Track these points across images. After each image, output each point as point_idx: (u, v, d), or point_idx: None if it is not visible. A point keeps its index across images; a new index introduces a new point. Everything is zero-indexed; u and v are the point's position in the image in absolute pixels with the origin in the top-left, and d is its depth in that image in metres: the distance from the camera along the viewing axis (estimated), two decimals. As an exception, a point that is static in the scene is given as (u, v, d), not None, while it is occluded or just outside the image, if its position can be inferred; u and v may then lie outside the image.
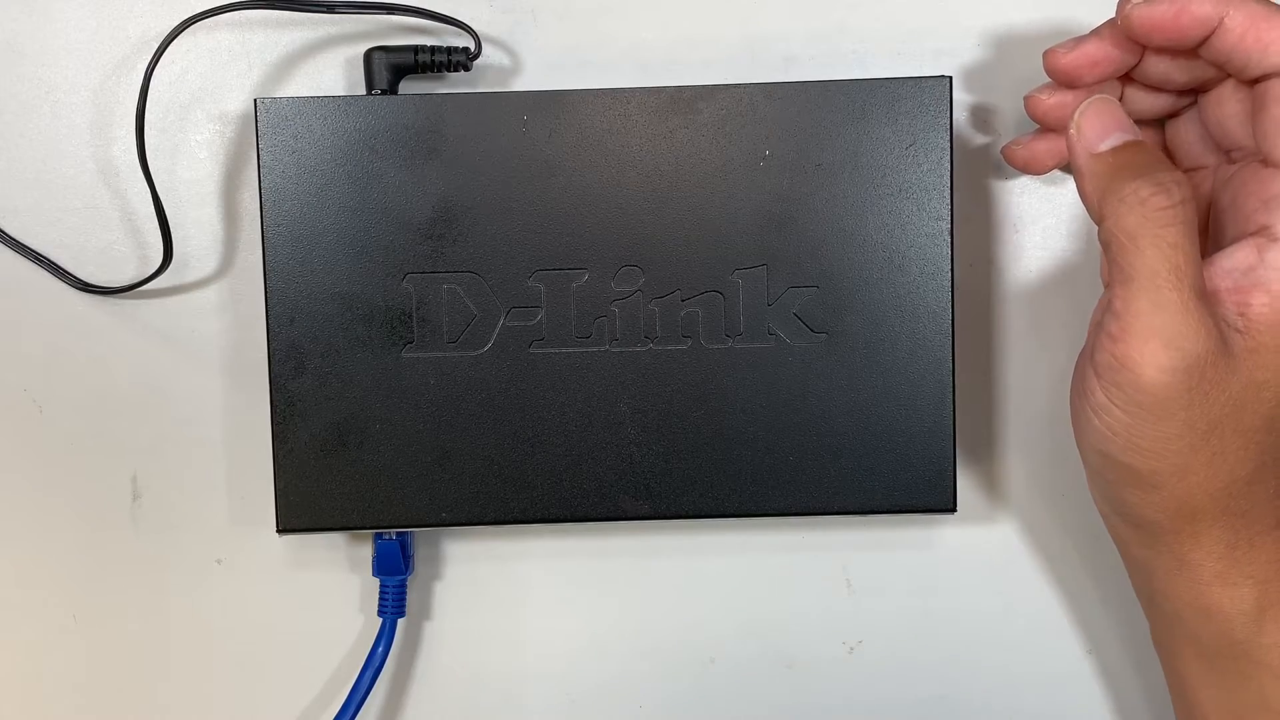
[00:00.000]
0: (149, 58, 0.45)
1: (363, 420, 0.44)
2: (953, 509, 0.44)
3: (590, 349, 0.44)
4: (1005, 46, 0.47)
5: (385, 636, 0.47)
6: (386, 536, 0.46)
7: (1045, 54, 0.43)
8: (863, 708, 0.47)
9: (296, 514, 0.44)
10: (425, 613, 0.49)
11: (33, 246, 0.47)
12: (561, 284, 0.44)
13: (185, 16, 0.45)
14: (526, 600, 0.48)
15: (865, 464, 0.44)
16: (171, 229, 0.46)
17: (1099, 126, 0.39)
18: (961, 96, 0.46)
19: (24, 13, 0.47)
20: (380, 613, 0.47)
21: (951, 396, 0.44)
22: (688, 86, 0.44)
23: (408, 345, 0.44)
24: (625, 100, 0.44)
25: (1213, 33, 0.39)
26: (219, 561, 0.48)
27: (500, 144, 0.44)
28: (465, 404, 0.44)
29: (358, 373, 0.44)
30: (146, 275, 0.46)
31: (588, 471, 0.44)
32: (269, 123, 0.44)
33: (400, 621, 0.47)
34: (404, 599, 0.47)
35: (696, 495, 0.44)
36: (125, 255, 0.47)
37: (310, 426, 0.44)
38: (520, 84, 0.47)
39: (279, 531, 0.44)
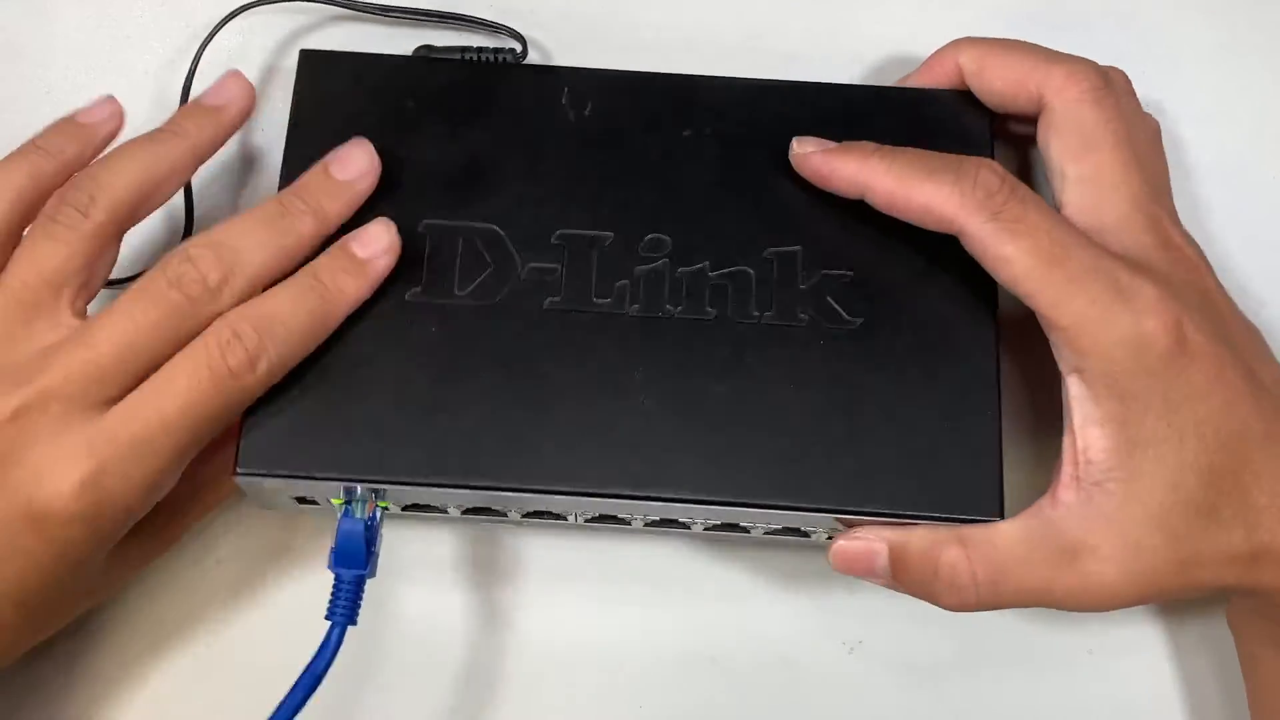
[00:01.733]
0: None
1: (351, 360, 0.41)
2: (1001, 515, 0.40)
3: (609, 310, 0.42)
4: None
5: (330, 646, 0.39)
6: (354, 509, 0.41)
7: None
8: (863, 707, 0.46)
9: (259, 455, 0.40)
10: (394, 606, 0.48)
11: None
12: (584, 246, 0.42)
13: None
14: (518, 600, 0.48)
15: (901, 462, 0.40)
16: (169, 230, 0.46)
17: None
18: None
19: (24, 13, 0.47)
20: (329, 614, 0.40)
21: (997, 396, 0.41)
22: (738, 81, 0.44)
23: (413, 289, 0.42)
24: (676, 87, 0.44)
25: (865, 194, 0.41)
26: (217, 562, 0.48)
27: (537, 113, 0.43)
28: (467, 356, 0.41)
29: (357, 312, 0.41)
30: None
31: (595, 442, 0.40)
32: (308, 72, 0.43)
33: (351, 631, 0.41)
34: (357, 603, 0.40)
35: (713, 479, 0.40)
36: (125, 254, 0.47)
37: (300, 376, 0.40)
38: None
39: (235, 473, 0.40)
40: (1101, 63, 0.43)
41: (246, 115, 0.43)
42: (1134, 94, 0.44)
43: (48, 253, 0.38)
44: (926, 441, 0.40)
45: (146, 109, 0.47)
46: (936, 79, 0.45)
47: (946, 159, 0.40)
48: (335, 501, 0.41)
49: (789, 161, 0.43)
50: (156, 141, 0.41)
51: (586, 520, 0.43)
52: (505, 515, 0.43)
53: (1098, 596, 0.39)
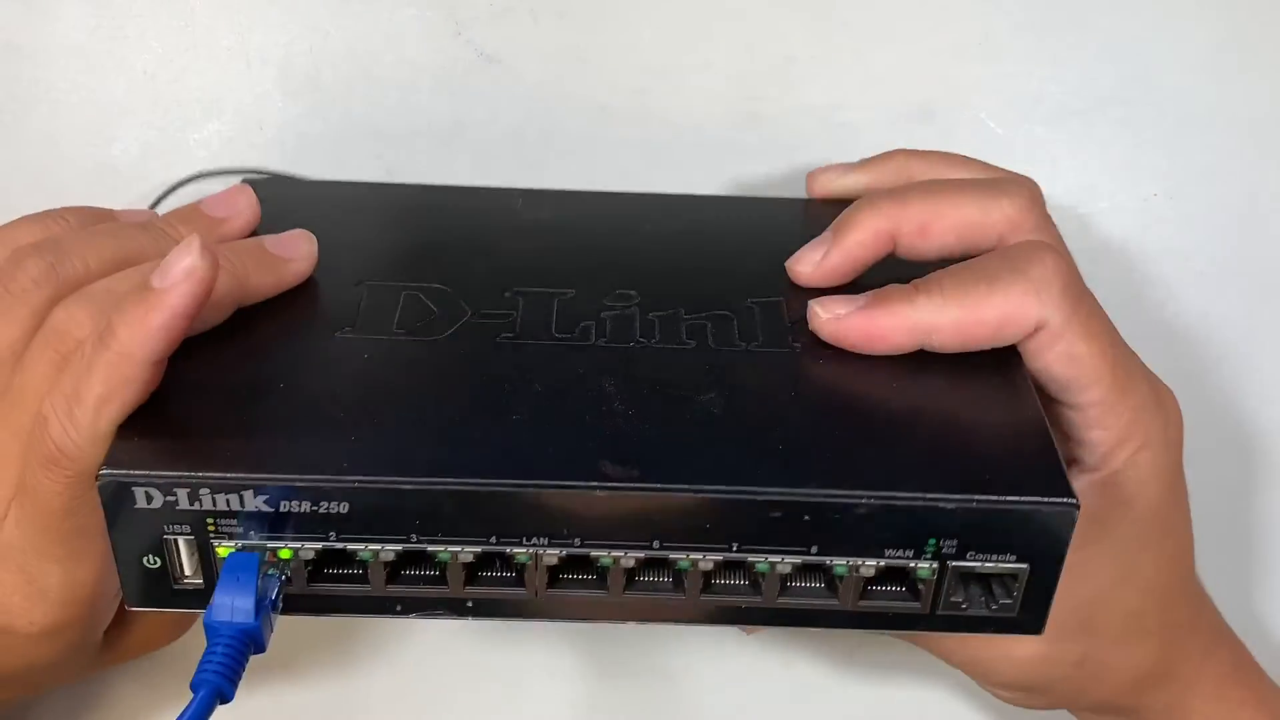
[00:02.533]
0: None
1: (265, 380, 0.35)
2: (1077, 504, 0.32)
3: (571, 343, 0.36)
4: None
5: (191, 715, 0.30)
6: (245, 543, 0.32)
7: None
8: (863, 707, 0.46)
9: (128, 458, 0.32)
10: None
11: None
12: (542, 298, 0.38)
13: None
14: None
15: (952, 449, 0.34)
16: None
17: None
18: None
19: (24, 13, 0.47)
20: (196, 676, 0.31)
21: (1033, 392, 0.35)
22: (705, 199, 0.43)
23: (345, 329, 0.37)
24: (639, 202, 0.43)
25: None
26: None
27: (489, 213, 0.43)
28: (405, 377, 0.35)
29: (275, 346, 0.36)
30: None
31: (559, 435, 0.33)
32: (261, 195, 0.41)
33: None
34: (238, 668, 0.31)
35: (706, 464, 0.33)
36: (124, 254, 0.47)
37: (197, 375, 0.34)
38: (518, 86, 0.47)
39: (97, 478, 0.31)
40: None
41: (304, 277, 0.39)
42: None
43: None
44: (974, 433, 0.34)
45: (146, 109, 0.46)
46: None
47: (996, 259, 0.36)
48: (221, 551, 0.33)
49: (760, 247, 0.41)
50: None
51: (550, 570, 0.33)
52: (445, 573, 0.33)
53: (1002, 665, 0.39)
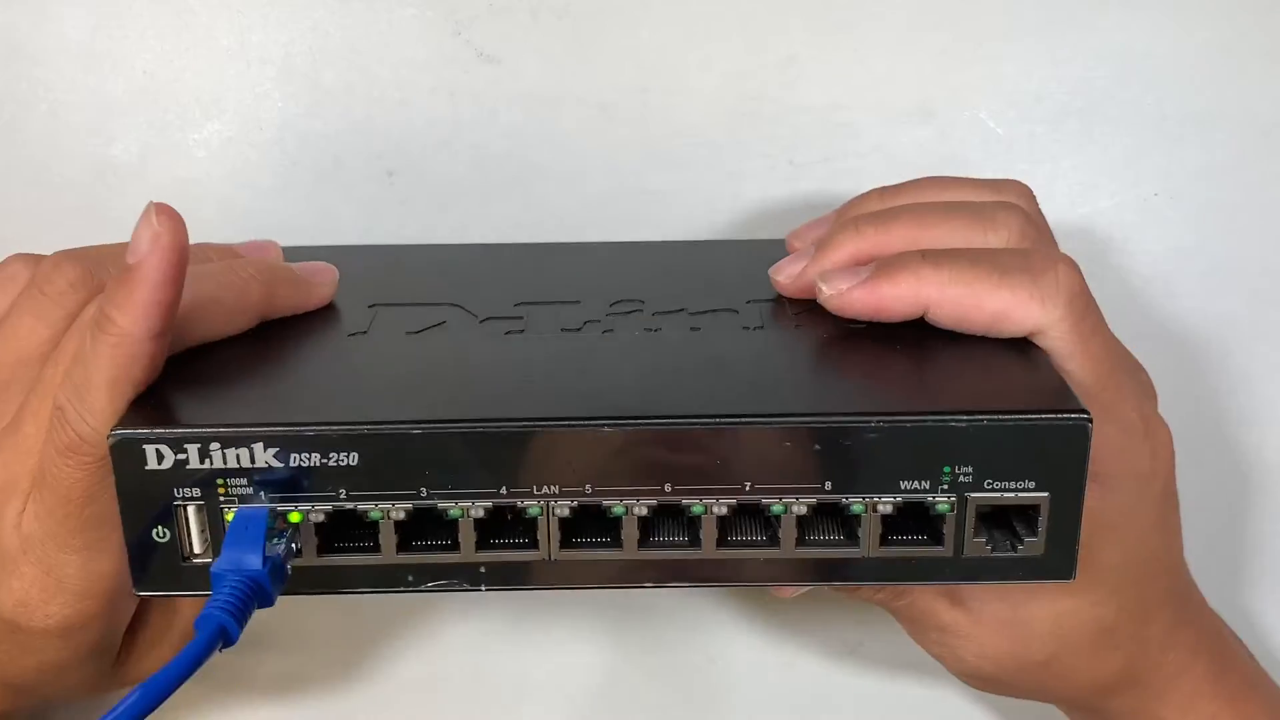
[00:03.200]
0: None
1: (274, 360, 0.36)
2: (1089, 418, 0.32)
3: (578, 336, 0.37)
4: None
5: (194, 650, 0.29)
6: (257, 502, 0.32)
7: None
8: (863, 707, 0.46)
9: (141, 415, 0.32)
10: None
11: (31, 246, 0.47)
12: (548, 308, 0.39)
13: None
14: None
15: (966, 376, 0.34)
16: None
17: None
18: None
19: (24, 12, 0.47)
20: (201, 617, 0.30)
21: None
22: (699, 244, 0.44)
23: (356, 334, 0.38)
24: (634, 251, 0.44)
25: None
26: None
27: (493, 264, 0.43)
28: (413, 357, 0.36)
29: (286, 341, 0.37)
30: None
31: (568, 385, 0.34)
32: None
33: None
34: (245, 611, 0.31)
35: (714, 398, 0.33)
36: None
37: (207, 360, 0.35)
38: (518, 86, 0.47)
39: (108, 436, 0.32)
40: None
41: (325, 301, 0.40)
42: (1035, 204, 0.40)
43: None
44: (981, 369, 0.35)
45: (146, 108, 0.46)
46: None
47: (1012, 256, 0.36)
48: (230, 517, 0.32)
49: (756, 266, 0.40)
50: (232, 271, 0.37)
51: (563, 526, 0.33)
52: (457, 535, 0.33)
53: (971, 655, 0.39)
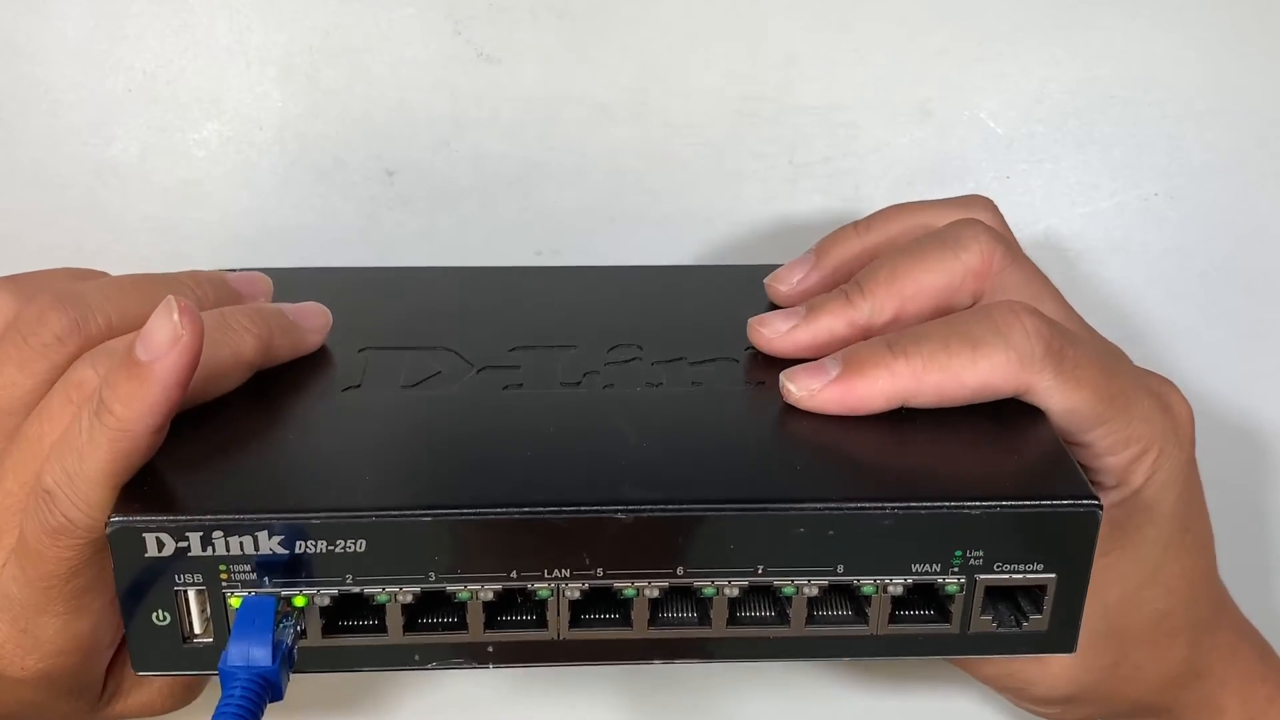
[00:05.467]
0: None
1: (273, 431, 0.35)
2: (1100, 506, 0.32)
3: (578, 391, 0.36)
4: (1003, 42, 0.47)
5: None
6: (261, 587, 0.31)
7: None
8: (862, 707, 0.46)
9: (141, 501, 0.31)
10: None
11: (31, 246, 0.47)
12: (545, 356, 0.38)
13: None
14: None
15: (975, 459, 0.34)
16: (168, 230, 0.46)
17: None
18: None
19: (23, 12, 0.47)
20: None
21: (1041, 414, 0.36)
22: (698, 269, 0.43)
23: (351, 387, 0.37)
24: (628, 276, 0.43)
25: None
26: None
27: (484, 291, 0.42)
28: (415, 424, 0.35)
29: (282, 403, 0.36)
30: None
31: (577, 465, 0.33)
32: None
33: None
34: (257, 708, 0.30)
35: (728, 483, 0.32)
36: (123, 255, 0.47)
37: (203, 429, 0.34)
38: (518, 86, 0.47)
39: (107, 524, 0.31)
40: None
41: (316, 348, 0.38)
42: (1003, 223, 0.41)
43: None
44: (990, 447, 0.35)
45: (146, 108, 0.46)
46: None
47: (978, 320, 0.35)
48: (234, 602, 0.32)
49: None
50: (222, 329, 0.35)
51: (572, 607, 0.33)
52: (465, 615, 0.33)
53: (1038, 679, 0.39)
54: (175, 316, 0.31)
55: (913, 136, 0.48)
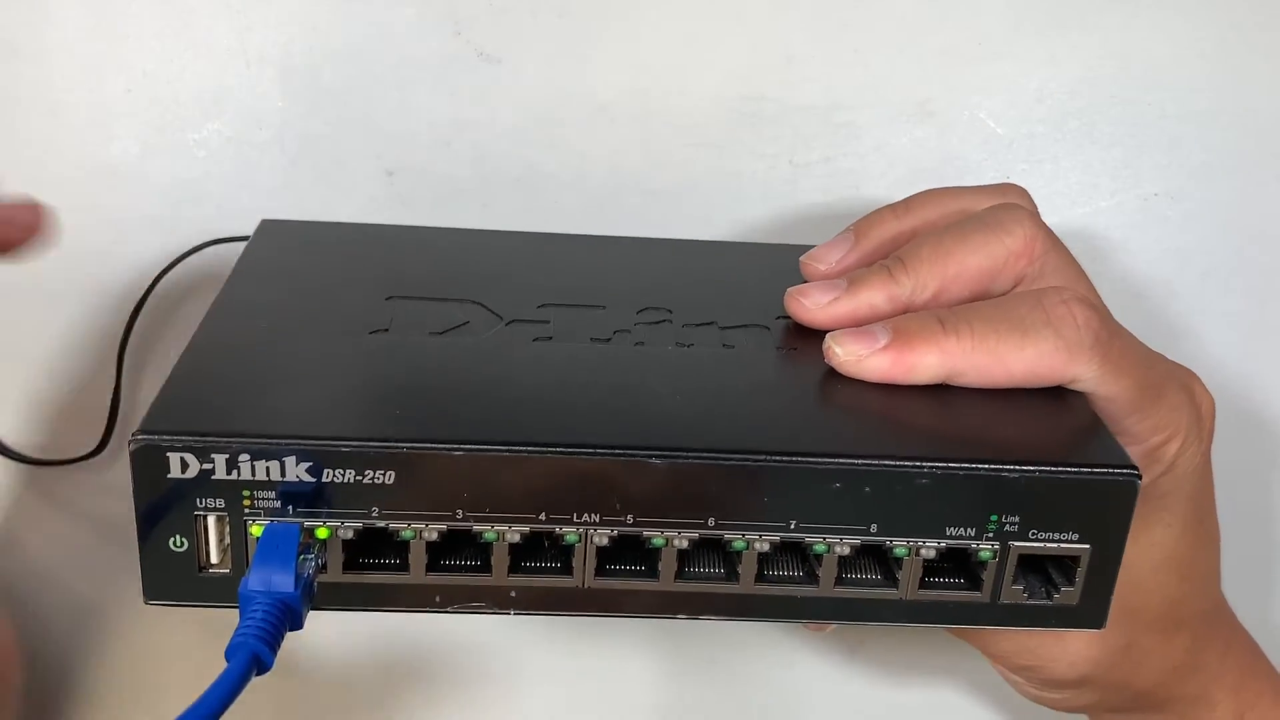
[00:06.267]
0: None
1: (302, 365, 0.34)
2: (1139, 475, 0.32)
3: (608, 346, 0.36)
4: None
5: (228, 681, 0.27)
6: (284, 516, 0.31)
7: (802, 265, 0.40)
8: (863, 707, 0.46)
9: (164, 418, 0.30)
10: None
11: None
12: (573, 313, 0.38)
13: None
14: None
15: (1013, 425, 0.34)
16: (167, 230, 0.46)
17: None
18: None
19: (23, 12, 0.47)
20: (233, 641, 0.28)
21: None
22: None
23: (378, 331, 0.36)
24: (656, 247, 0.43)
25: None
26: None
27: (510, 251, 0.42)
28: (446, 367, 0.35)
29: (308, 342, 0.35)
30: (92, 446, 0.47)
31: (612, 411, 0.33)
32: (261, 237, 0.42)
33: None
34: (277, 634, 0.29)
35: (765, 435, 0.32)
36: (122, 255, 0.47)
37: (232, 359, 0.34)
38: (518, 86, 0.47)
39: (133, 438, 0.30)
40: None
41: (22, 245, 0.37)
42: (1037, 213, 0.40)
43: None
44: (1029, 417, 0.34)
45: (145, 108, 0.46)
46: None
47: (1028, 306, 0.35)
48: (255, 530, 0.31)
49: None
50: None
51: (599, 554, 0.32)
52: (489, 558, 0.32)
53: (1058, 658, 0.39)
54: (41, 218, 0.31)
55: (913, 136, 0.48)
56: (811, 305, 0.38)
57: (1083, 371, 0.35)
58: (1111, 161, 0.49)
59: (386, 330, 0.36)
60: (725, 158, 0.48)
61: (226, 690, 0.26)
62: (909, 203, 0.40)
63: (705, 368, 0.35)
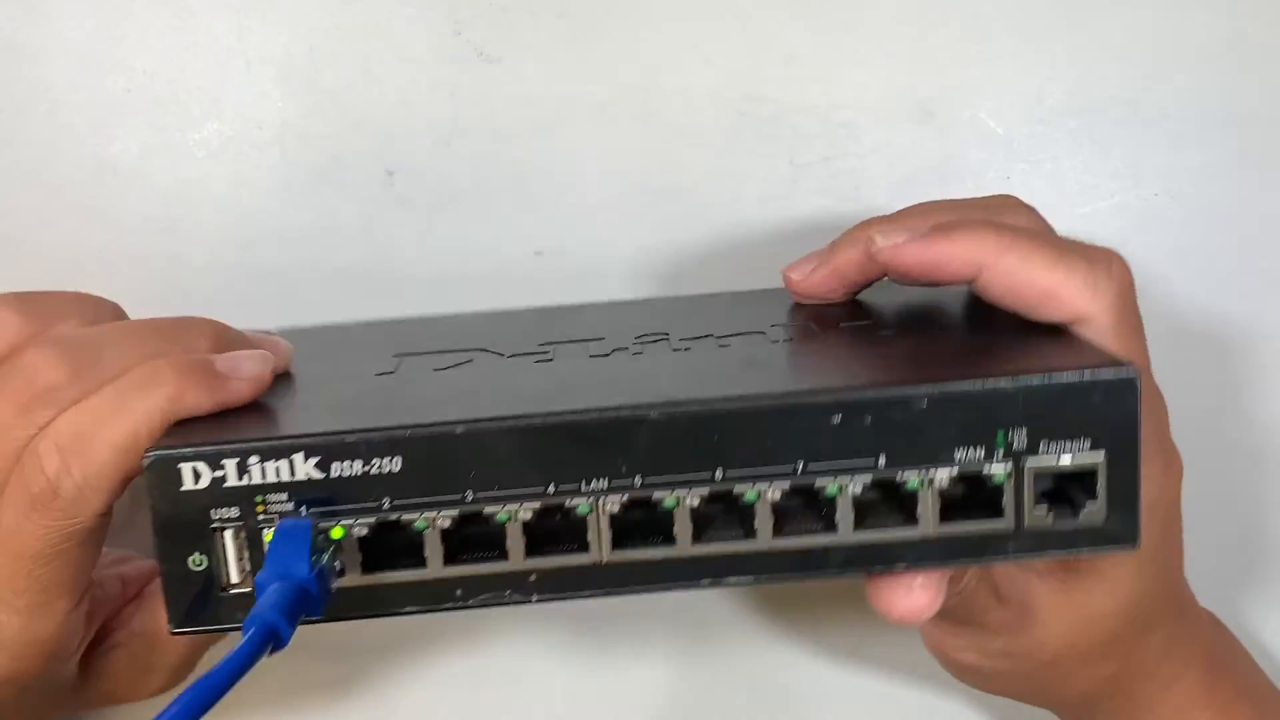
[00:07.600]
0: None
1: (306, 388, 0.36)
2: (1137, 371, 0.32)
3: (609, 359, 0.37)
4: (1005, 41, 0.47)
5: (241, 655, 0.27)
6: (299, 510, 0.31)
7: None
8: (863, 707, 0.46)
9: (176, 434, 0.32)
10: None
11: (31, 246, 0.47)
12: (575, 346, 0.39)
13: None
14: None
15: (1006, 346, 0.35)
16: (167, 230, 0.46)
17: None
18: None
19: (23, 12, 0.47)
20: (249, 619, 0.28)
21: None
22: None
23: (383, 374, 0.37)
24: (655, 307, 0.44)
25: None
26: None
27: (510, 328, 0.43)
28: (447, 383, 0.36)
29: (314, 377, 0.37)
30: None
31: (611, 382, 0.35)
32: None
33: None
34: (294, 614, 0.29)
35: (760, 382, 0.34)
36: (123, 255, 0.47)
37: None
38: (518, 86, 0.47)
39: (145, 456, 0.31)
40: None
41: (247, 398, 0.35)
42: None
43: None
44: (1020, 340, 0.35)
45: (146, 108, 0.46)
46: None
47: (1071, 243, 0.36)
48: (270, 537, 0.32)
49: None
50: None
51: (614, 524, 0.33)
52: (505, 542, 0.33)
53: (995, 652, 0.39)
54: (268, 365, 0.33)
55: (913, 136, 0.48)
56: (798, 275, 0.39)
57: (1100, 317, 0.35)
58: (1111, 161, 0.49)
59: (392, 373, 0.37)
60: (725, 158, 0.48)
61: (240, 662, 0.27)
62: (909, 209, 0.40)
63: (701, 358, 0.36)
